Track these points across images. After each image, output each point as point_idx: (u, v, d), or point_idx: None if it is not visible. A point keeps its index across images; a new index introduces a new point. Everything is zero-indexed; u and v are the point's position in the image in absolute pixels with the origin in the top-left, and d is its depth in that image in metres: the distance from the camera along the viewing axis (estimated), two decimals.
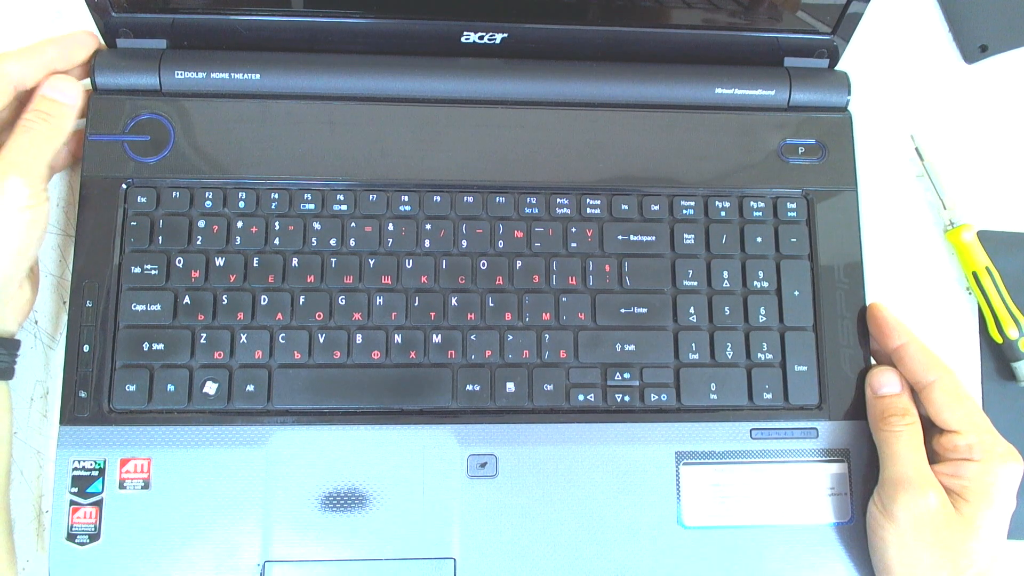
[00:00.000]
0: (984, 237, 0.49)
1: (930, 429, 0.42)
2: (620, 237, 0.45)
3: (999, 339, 0.47)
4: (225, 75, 0.45)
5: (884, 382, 0.43)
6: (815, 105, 0.48)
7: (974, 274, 0.48)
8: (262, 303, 0.43)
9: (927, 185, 0.50)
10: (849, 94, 0.48)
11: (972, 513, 0.39)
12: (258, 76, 0.45)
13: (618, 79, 0.47)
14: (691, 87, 0.47)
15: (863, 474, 0.43)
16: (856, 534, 0.43)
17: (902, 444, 0.41)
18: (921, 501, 0.39)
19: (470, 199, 0.45)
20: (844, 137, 0.47)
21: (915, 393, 0.43)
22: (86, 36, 0.44)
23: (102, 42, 0.45)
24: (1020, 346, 0.47)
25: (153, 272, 0.43)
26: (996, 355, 0.48)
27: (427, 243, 0.44)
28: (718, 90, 0.47)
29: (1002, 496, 0.40)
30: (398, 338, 0.43)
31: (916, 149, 0.50)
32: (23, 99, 0.43)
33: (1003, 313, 0.47)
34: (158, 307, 0.43)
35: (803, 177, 0.47)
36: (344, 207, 0.45)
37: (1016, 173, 0.51)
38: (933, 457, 0.42)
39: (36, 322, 0.45)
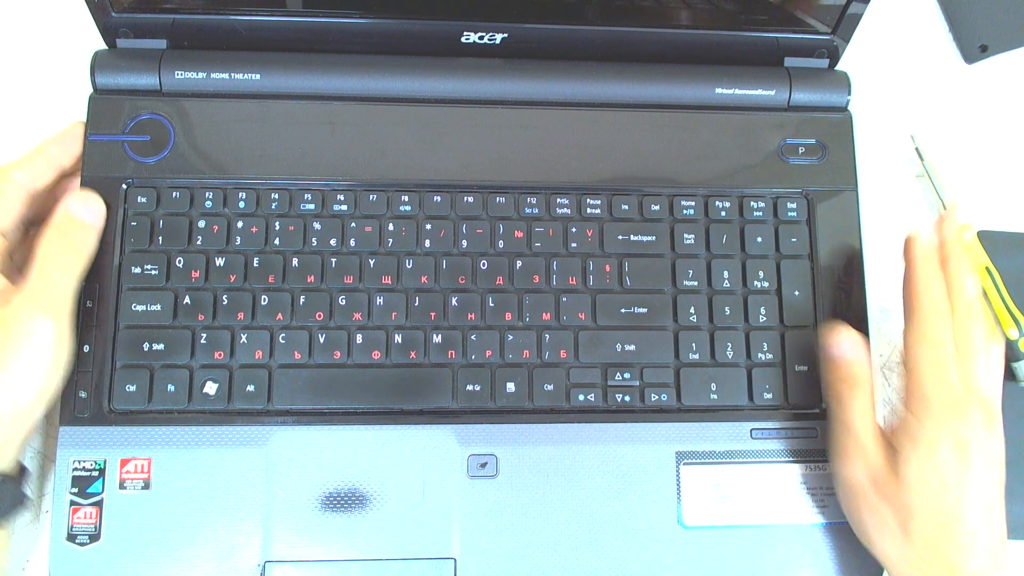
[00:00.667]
0: (984, 237, 0.49)
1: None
2: (620, 237, 0.45)
3: None
4: (225, 75, 0.45)
5: (837, 345, 0.42)
6: (815, 105, 0.48)
7: None
8: (262, 303, 0.43)
9: (927, 185, 0.50)
10: (849, 94, 0.48)
11: (900, 464, 0.39)
12: (258, 76, 0.45)
13: (618, 79, 0.47)
14: (691, 87, 0.47)
15: None
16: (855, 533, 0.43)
17: (849, 412, 0.41)
18: (865, 462, 0.39)
19: (470, 199, 0.45)
20: (844, 137, 0.47)
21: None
22: (79, 126, 0.44)
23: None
24: (1020, 346, 0.47)
25: (153, 272, 0.43)
26: None
27: (427, 243, 0.44)
28: (718, 90, 0.47)
29: (929, 449, 0.38)
30: (398, 338, 0.43)
31: (916, 149, 0.50)
32: (37, 202, 0.43)
33: (1003, 313, 0.47)
34: (158, 307, 0.43)
35: (803, 177, 0.47)
36: (344, 207, 0.44)
37: (1016, 173, 0.51)
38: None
39: None
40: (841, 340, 0.42)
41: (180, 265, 0.43)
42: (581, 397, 0.43)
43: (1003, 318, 0.47)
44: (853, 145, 0.47)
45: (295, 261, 0.44)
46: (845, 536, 0.43)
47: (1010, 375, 0.48)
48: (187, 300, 0.43)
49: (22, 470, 0.41)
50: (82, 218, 0.41)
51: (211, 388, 0.42)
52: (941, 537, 0.38)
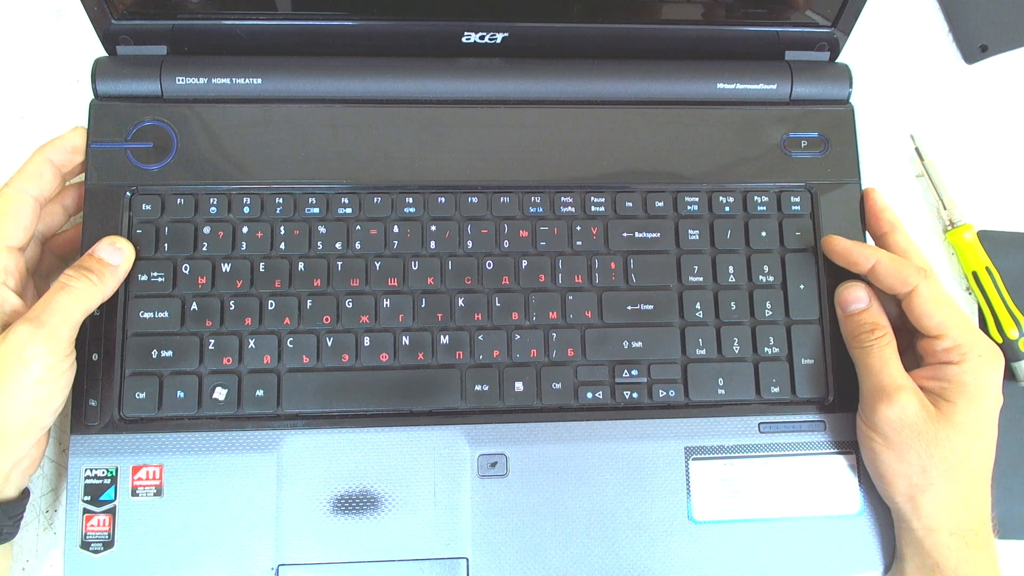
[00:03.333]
0: (984, 237, 0.49)
1: (916, 334, 0.43)
2: (625, 234, 0.45)
3: (999, 339, 0.47)
4: (227, 80, 0.45)
5: (852, 299, 0.43)
6: (817, 98, 0.48)
7: (974, 274, 0.48)
8: (269, 308, 0.43)
9: (927, 185, 0.50)
10: (851, 86, 0.48)
11: (952, 410, 0.40)
12: (260, 80, 0.45)
13: (620, 76, 0.47)
14: (692, 83, 0.47)
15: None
16: (865, 524, 0.43)
17: (874, 358, 0.42)
18: (898, 407, 0.40)
19: (474, 199, 0.45)
20: (846, 129, 0.47)
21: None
22: (78, 132, 0.44)
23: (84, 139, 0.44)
24: (1020, 346, 0.47)
25: (160, 279, 0.43)
26: None
27: (432, 244, 0.44)
28: (720, 85, 0.47)
29: (983, 391, 0.40)
30: (406, 340, 0.43)
31: (916, 149, 0.50)
32: (47, 213, 0.43)
33: (1003, 313, 0.47)
34: (166, 314, 0.43)
35: (806, 171, 0.47)
36: (349, 210, 0.45)
37: (1016, 173, 0.51)
38: (918, 362, 0.43)
39: None
40: (858, 293, 0.43)
41: (186, 272, 0.43)
42: (589, 395, 0.43)
43: (1003, 318, 0.47)
44: (855, 137, 0.47)
45: (301, 265, 0.44)
46: (853, 527, 0.43)
47: (1010, 375, 0.48)
48: (194, 306, 0.43)
49: (17, 502, 0.40)
50: (106, 259, 0.41)
51: (220, 394, 0.42)
52: (979, 481, 0.40)
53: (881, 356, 0.42)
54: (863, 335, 0.42)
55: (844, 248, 0.44)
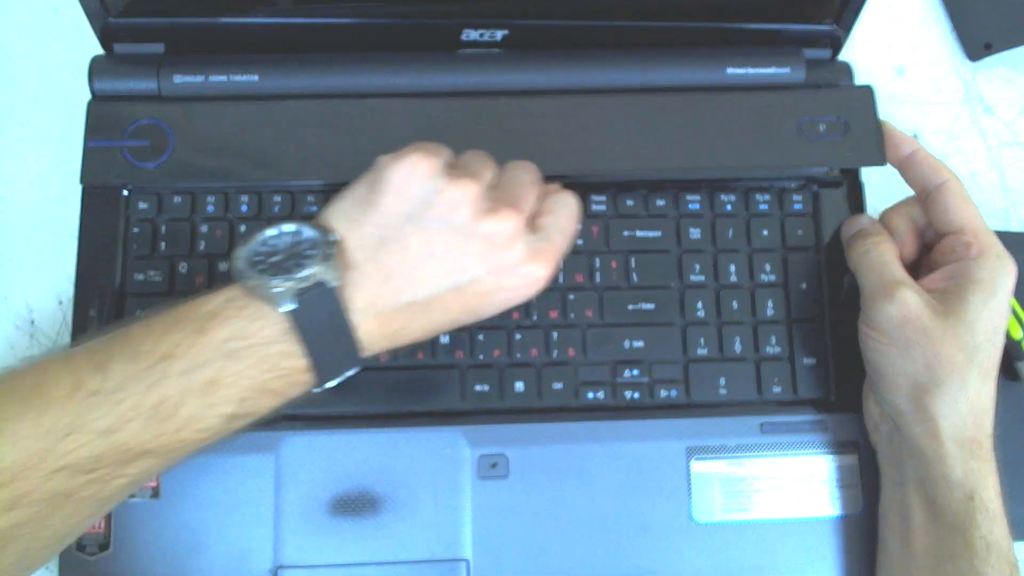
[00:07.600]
0: None
1: (933, 243, 0.43)
2: (626, 233, 0.45)
3: None
4: (224, 78, 0.45)
5: (855, 224, 0.44)
6: (831, 83, 0.47)
7: None
8: None
9: None
10: (852, 84, 0.47)
11: (964, 307, 0.38)
12: (257, 78, 0.45)
13: (623, 65, 0.46)
14: (701, 70, 0.46)
15: (873, 465, 0.43)
16: (867, 525, 0.43)
17: (873, 258, 0.41)
18: (899, 301, 0.39)
19: None
20: (867, 110, 0.45)
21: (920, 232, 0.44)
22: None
23: None
24: (1022, 346, 0.47)
25: (157, 279, 0.43)
26: None
27: None
28: (730, 70, 0.46)
29: (996, 292, 0.39)
30: None
31: None
32: None
33: None
34: None
35: (826, 155, 0.45)
36: None
37: (1018, 173, 0.51)
38: (934, 269, 0.42)
39: (32, 322, 0.45)
40: (862, 221, 0.44)
41: (184, 271, 0.43)
42: (590, 395, 0.43)
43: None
44: (877, 118, 0.45)
45: None
46: (856, 527, 0.43)
47: (1013, 375, 0.47)
48: None
49: None
50: None
51: None
52: (985, 391, 0.39)
53: (881, 257, 0.41)
54: (859, 241, 0.42)
55: (890, 130, 0.44)
